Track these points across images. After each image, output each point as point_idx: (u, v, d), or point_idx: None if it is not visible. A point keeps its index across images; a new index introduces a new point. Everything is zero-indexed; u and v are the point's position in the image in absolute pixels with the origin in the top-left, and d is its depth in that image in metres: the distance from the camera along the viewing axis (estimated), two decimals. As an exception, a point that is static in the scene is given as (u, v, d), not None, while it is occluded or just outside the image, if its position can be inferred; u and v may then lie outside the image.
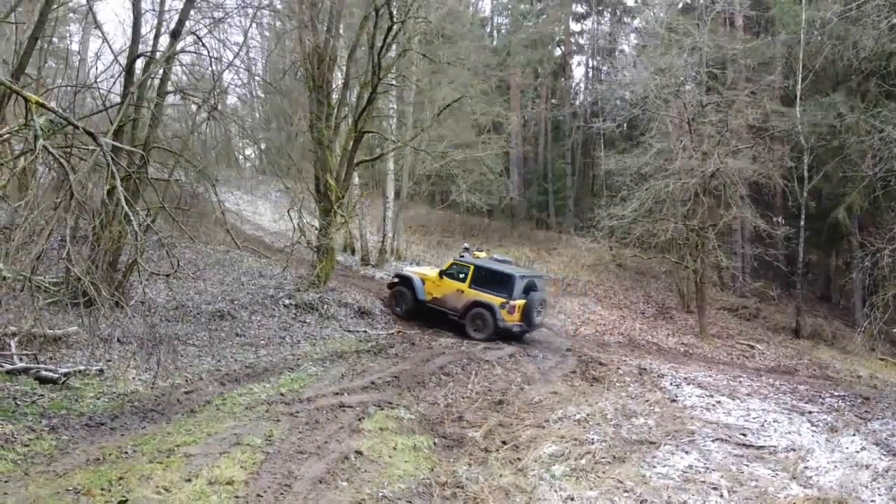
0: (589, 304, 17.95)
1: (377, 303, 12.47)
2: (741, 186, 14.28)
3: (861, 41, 13.19)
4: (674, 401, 9.30)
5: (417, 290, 11.91)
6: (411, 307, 11.83)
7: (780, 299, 22.02)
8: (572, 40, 36.96)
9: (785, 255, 18.14)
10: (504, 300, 10.96)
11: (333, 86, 12.05)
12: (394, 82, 13.70)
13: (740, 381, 11.17)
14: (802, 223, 17.07)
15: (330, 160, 11.55)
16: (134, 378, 6.08)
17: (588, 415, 7.56)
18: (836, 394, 11.27)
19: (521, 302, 11.11)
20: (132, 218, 5.45)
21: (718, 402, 9.58)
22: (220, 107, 12.21)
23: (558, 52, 37.30)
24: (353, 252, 18.92)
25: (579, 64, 38.70)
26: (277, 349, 8.27)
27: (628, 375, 10.24)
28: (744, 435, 8.19)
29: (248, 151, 36.66)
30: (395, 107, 17.51)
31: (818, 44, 17.12)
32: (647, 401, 8.90)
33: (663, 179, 14.26)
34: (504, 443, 5.85)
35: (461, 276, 11.93)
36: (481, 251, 19.31)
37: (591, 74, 37.99)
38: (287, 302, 10.75)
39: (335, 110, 11.94)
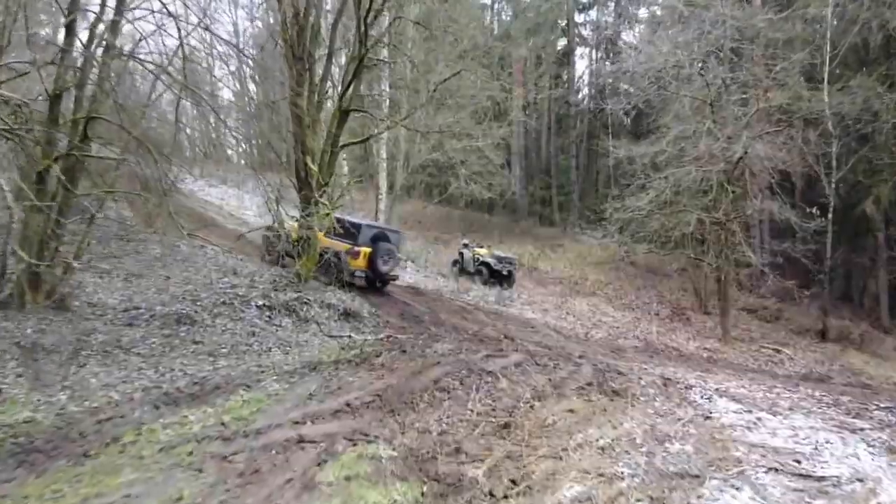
0: (599, 304, 16.76)
1: (366, 304, 11.28)
2: (771, 174, 13.04)
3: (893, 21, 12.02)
4: (708, 418, 8.04)
5: (285, 240, 12.18)
6: (276, 257, 12.55)
7: (800, 299, 20.88)
8: (576, 31, 35.87)
9: (808, 251, 16.90)
10: (350, 246, 12.03)
11: (316, 58, 10.79)
12: (385, 58, 12.47)
13: (777, 393, 9.93)
14: (830, 216, 15.81)
15: (312, 141, 10.31)
16: (39, 401, 4.83)
17: (613, 439, 6.33)
18: (882, 405, 10.06)
19: (366, 249, 12.01)
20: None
21: (759, 418, 8.31)
22: (199, 88, 10.96)
23: (561, 43, 36.29)
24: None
25: (582, 56, 37.66)
26: (240, 359, 7.04)
27: (652, 387, 8.99)
28: (798, 462, 6.94)
29: (233, 140, 35.49)
30: (388, 89, 16.26)
31: (848, 20, 15.88)
32: (679, 419, 7.66)
33: (684, 167, 13.03)
34: (514, 482, 4.63)
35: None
36: (481, 247, 18.12)
37: (594, 66, 36.90)
38: (260, 303, 9.53)
39: (318, 87, 10.70)
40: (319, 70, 10.81)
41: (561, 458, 5.50)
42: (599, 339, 12.87)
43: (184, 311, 8.25)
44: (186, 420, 4.38)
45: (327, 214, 11.02)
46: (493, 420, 6.01)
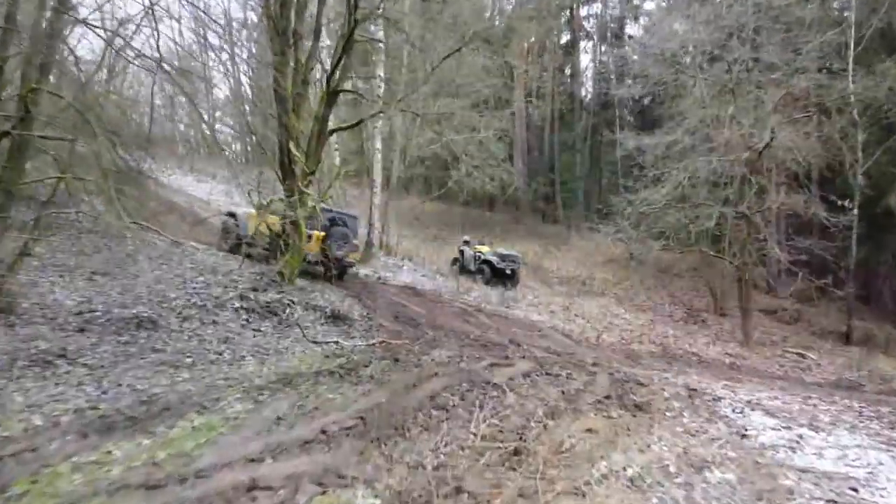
0: (609, 305, 15.85)
1: (356, 306, 10.38)
2: (798, 164, 12.11)
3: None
4: (744, 436, 7.13)
5: (241, 226, 12.33)
6: (235, 243, 12.23)
7: (818, 300, 20.04)
8: (581, 24, 35.03)
9: (832, 249, 15.93)
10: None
11: (302, 34, 9.87)
12: (379, 36, 11.54)
13: (814, 405, 9.02)
14: (856, 211, 14.86)
15: (296, 125, 9.39)
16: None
17: (642, 468, 5.42)
18: (925, 417, 9.19)
19: (318, 233, 11.51)
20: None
21: (800, 436, 7.40)
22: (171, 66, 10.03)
23: (565, 38, 35.56)
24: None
25: (586, 50, 36.85)
26: (206, 371, 6.11)
27: (677, 399, 8.09)
28: (855, 490, 6.05)
29: (226, 132, 34.64)
30: (382, 74, 15.32)
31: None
32: (713, 439, 6.76)
33: (704, 156, 12.10)
34: (529, 531, 3.71)
35: (277, 210, 11.76)
36: (483, 244, 17.19)
37: (599, 60, 36.01)
38: (237, 305, 8.62)
39: (304, 66, 9.78)
40: (306, 48, 9.91)
41: (584, 495, 4.57)
42: (612, 344, 11.95)
43: (147, 314, 7.33)
44: (108, 458, 3.45)
45: (314, 206, 10.12)
46: (501, 445, 5.09)
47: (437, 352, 8.39)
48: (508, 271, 16.18)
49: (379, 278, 14.50)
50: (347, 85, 11.11)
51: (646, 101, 30.51)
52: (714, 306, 17.58)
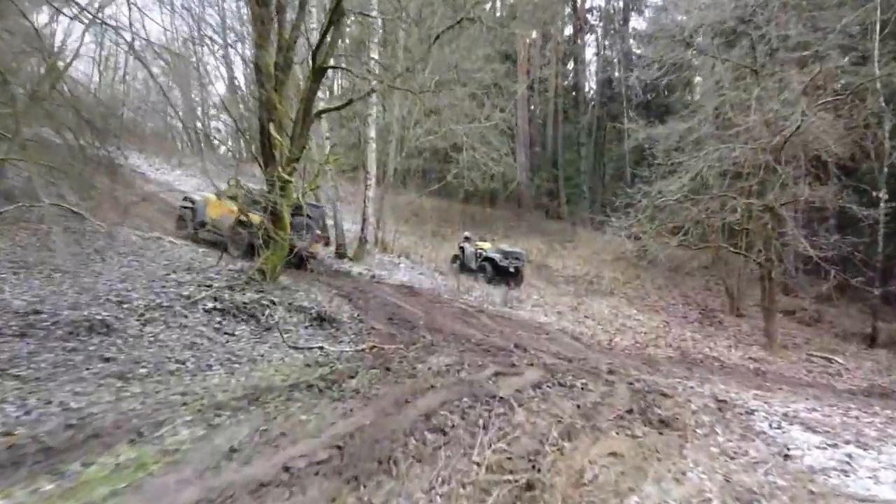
0: (620, 306, 15.00)
1: (346, 307, 9.53)
2: (829, 151, 11.22)
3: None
4: (788, 457, 6.29)
5: (199, 211, 12.40)
6: (192, 228, 12.39)
7: (837, 300, 19.22)
8: (584, 17, 34.25)
9: (859, 245, 15.01)
10: (262, 218, 10.50)
11: (286, 3, 9.00)
12: (374, 11, 10.67)
13: (856, 417, 8.16)
14: (883, 204, 13.95)
15: (279, 105, 8.52)
16: None
17: (681, 502, 4.59)
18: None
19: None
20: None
21: (849, 456, 6.53)
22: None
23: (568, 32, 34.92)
24: (326, 243, 15.89)
25: (589, 44, 36.11)
26: (162, 383, 5.25)
27: (706, 412, 7.23)
28: (928, 524, 5.26)
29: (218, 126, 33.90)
30: (377, 56, 14.44)
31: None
32: (755, 462, 5.90)
33: (724, 145, 11.21)
34: None
35: (235, 196, 12.02)
36: (484, 240, 16.34)
37: (602, 53, 35.21)
38: (210, 305, 7.76)
39: (288, 40, 8.90)
40: (291, 20, 9.05)
41: (616, 545, 3.74)
42: (626, 348, 11.10)
43: (101, 317, 6.47)
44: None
45: (303, 194, 9.26)
46: (511, 477, 4.23)
47: (435, 358, 7.53)
48: (512, 269, 15.31)
49: (373, 277, 13.64)
50: (340, 64, 10.26)
51: (651, 94, 29.70)
52: (730, 306, 16.74)
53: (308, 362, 6.59)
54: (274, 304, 8.27)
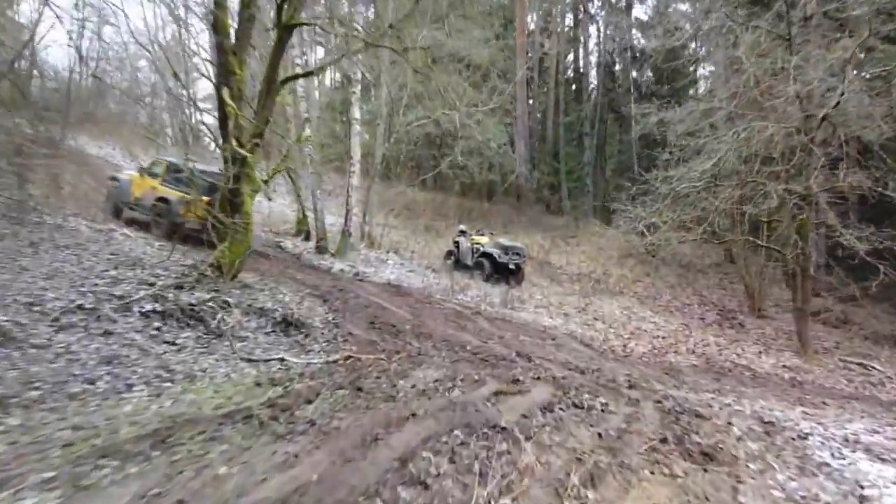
0: (632, 307, 13.80)
1: (319, 309, 8.30)
2: (873, 130, 9.99)
3: None
4: (864, 498, 5.13)
5: (123, 190, 12.05)
6: (116, 207, 12.13)
7: (862, 299, 18.02)
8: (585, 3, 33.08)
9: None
10: (183, 195, 10.90)
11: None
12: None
13: (924, 440, 7.01)
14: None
15: (238, 71, 7.26)
16: None
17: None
18: None
19: (203, 198, 10.13)
20: None
21: (935, 493, 5.41)
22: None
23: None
24: (307, 237, 14.64)
25: (591, 35, 34.99)
26: (54, 413, 4.06)
27: (753, 438, 6.01)
28: None
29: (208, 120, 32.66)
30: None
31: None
32: (829, 508, 4.74)
33: (754, 123, 9.99)
34: None
35: (156, 172, 11.93)
36: (482, 234, 15.12)
37: (603, 45, 33.98)
38: (148, 307, 6.51)
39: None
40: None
41: None
42: (643, 355, 9.89)
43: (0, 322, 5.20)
44: None
45: (265, 182, 8.00)
46: (520, 558, 3.01)
47: (422, 371, 6.30)
48: (512, 266, 14.06)
49: (356, 274, 12.38)
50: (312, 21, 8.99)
51: (656, 85, 28.54)
52: (751, 307, 15.54)
53: (259, 380, 5.34)
54: (229, 305, 7.03)
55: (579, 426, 5.20)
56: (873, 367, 11.66)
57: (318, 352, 6.81)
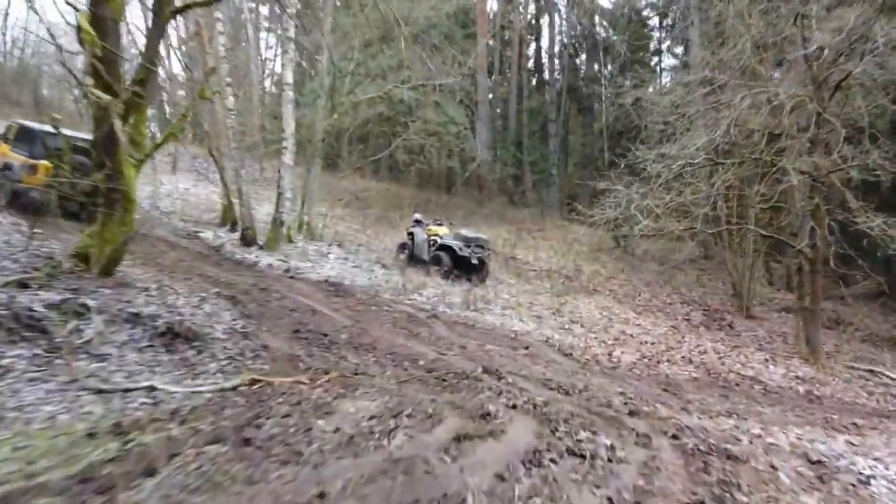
0: (611, 307, 12.38)
1: (226, 314, 6.54)
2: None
3: None
4: None
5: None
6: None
7: (849, 297, 17.11)
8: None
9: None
10: (27, 159, 10.16)
11: None
12: None
13: None
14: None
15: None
16: None
17: None
18: None
19: (46, 163, 9.32)
20: None
21: None
22: None
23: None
24: (234, 227, 12.73)
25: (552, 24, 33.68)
26: None
27: (805, 487, 4.54)
28: None
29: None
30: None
31: None
32: None
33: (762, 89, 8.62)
34: None
35: (7, 137, 11.25)
36: (440, 224, 13.47)
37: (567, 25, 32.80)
38: (-41, 315, 4.63)
39: None
40: None
41: None
42: (634, 366, 8.41)
43: None
44: None
45: (157, 146, 6.21)
46: None
47: (354, 402, 4.62)
48: (475, 261, 12.44)
49: (288, 270, 10.55)
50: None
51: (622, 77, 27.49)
52: (739, 306, 14.32)
53: (99, 426, 3.58)
54: (88, 310, 5.19)
55: (581, 489, 3.59)
56: (884, 375, 10.49)
57: (213, 374, 5.07)
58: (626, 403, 5.93)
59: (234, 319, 6.39)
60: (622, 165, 10.78)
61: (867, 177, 8.45)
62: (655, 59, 32.76)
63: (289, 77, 12.08)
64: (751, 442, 5.25)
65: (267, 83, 31.49)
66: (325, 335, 6.65)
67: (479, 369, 6.25)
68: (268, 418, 4.05)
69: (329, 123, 13.40)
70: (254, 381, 4.91)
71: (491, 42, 26.70)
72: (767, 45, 9.64)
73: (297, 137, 13.45)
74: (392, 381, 5.42)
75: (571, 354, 8.30)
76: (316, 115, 13.20)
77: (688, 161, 9.05)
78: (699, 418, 5.91)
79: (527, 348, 8.06)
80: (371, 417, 4.24)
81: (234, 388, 4.75)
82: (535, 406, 5.10)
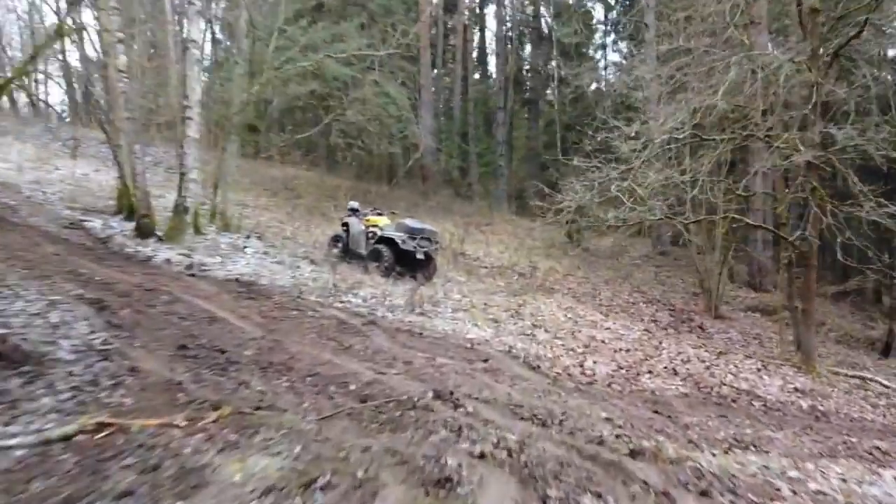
0: (573, 307, 11.24)
1: (81, 324, 4.92)
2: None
3: None
4: None
5: None
6: None
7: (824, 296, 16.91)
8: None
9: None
10: None
11: None
12: None
13: None
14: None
15: None
16: None
17: None
18: None
19: None
20: None
21: None
22: None
23: None
24: (130, 215, 10.88)
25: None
26: None
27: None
28: None
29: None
30: None
31: None
32: None
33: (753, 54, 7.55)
34: None
35: None
36: (380, 213, 11.98)
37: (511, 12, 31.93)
38: None
39: None
40: None
41: None
42: (612, 379, 7.19)
43: None
44: None
45: None
46: None
47: (242, 462, 3.14)
48: (421, 255, 11.00)
49: (191, 266, 8.86)
50: None
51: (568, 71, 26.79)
52: (707, 306, 13.45)
53: None
54: None
55: None
56: (877, 381, 9.68)
57: (44, 415, 3.51)
58: (619, 437, 4.64)
59: (94, 332, 4.77)
60: (588, 148, 9.57)
61: (878, 155, 7.46)
62: (600, 53, 32.50)
63: (195, 33, 10.31)
64: (794, 492, 4.03)
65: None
66: (223, 352, 5.09)
67: (430, 394, 4.84)
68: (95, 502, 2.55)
69: (248, 94, 11.68)
70: (100, 427, 3.38)
71: (432, 13, 25.38)
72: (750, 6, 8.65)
73: (212, 113, 11.72)
74: (310, 419, 3.96)
75: (539, 367, 7.00)
76: (232, 85, 11.49)
77: (672, 136, 7.93)
78: (713, 454, 4.67)
79: (486, 361, 6.70)
80: (266, 492, 2.78)
81: (65, 439, 3.22)
82: (509, 452, 3.73)
